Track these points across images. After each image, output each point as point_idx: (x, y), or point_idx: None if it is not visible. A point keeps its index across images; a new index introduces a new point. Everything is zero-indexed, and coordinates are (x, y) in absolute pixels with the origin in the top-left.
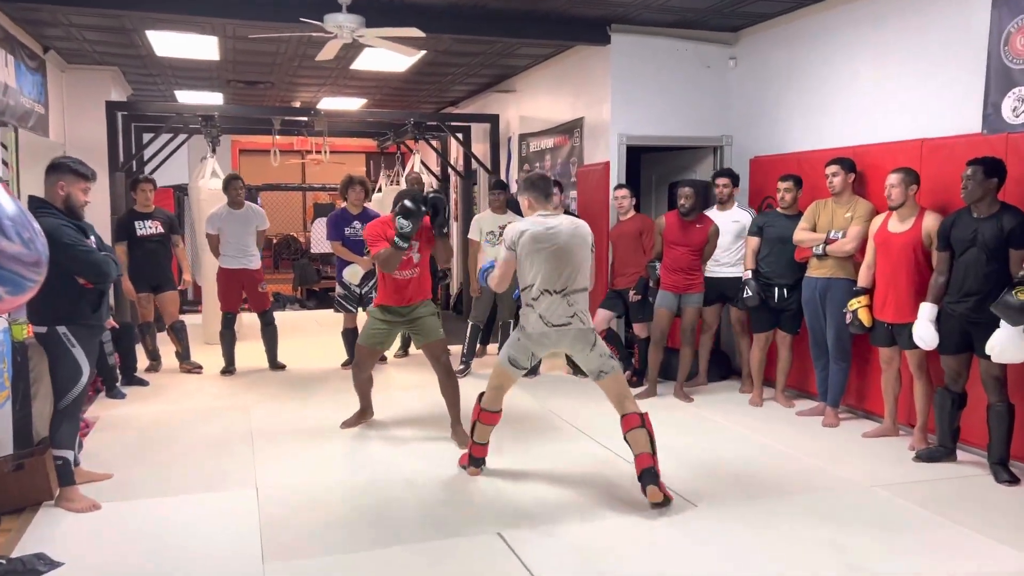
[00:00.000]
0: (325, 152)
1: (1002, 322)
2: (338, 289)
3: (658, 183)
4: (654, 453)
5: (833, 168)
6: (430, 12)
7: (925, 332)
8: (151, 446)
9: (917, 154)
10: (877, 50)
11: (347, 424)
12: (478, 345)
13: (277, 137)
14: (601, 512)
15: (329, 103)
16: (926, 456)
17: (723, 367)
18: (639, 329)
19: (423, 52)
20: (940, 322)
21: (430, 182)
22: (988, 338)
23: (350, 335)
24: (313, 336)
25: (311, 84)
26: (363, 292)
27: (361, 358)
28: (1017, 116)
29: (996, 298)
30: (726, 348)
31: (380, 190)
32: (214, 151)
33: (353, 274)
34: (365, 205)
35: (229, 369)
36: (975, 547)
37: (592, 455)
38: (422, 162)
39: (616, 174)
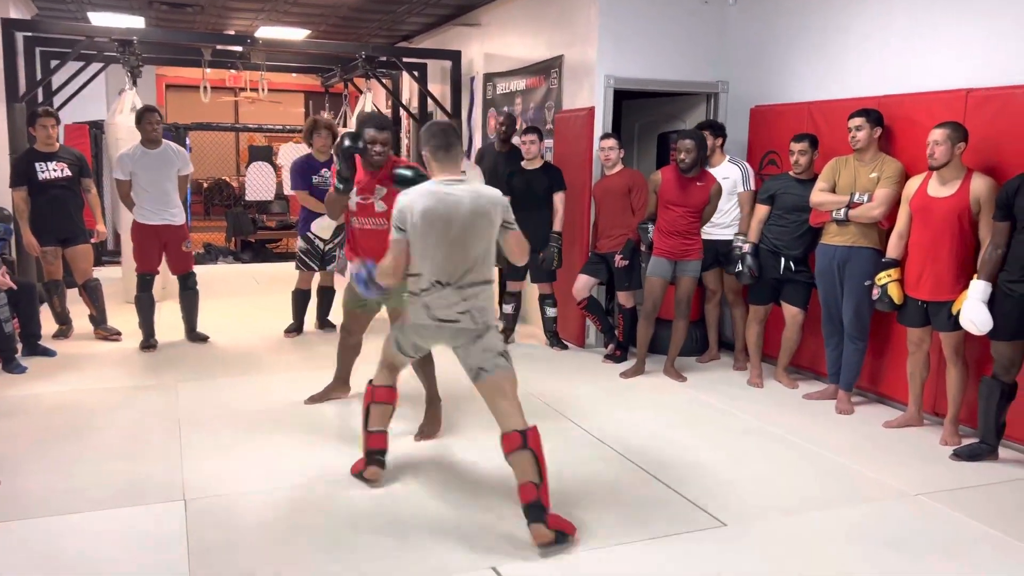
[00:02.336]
0: (263, 88)
1: None
2: (300, 243)
3: (642, 133)
4: (540, 482)
5: (857, 121)
6: None
7: (978, 314)
8: (53, 442)
9: (961, 106)
10: None
11: (313, 399)
12: None
13: (208, 70)
14: (611, 534)
15: (267, 33)
16: (967, 454)
17: (702, 340)
18: (624, 298)
19: None
20: (993, 303)
21: None
22: None
23: (301, 297)
24: (250, 295)
25: (247, 9)
26: (327, 248)
27: (347, 320)
28: None
29: None
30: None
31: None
32: (134, 83)
33: (323, 227)
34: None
35: (149, 343)
36: None
37: (595, 453)
38: (373, 103)
39: (601, 122)
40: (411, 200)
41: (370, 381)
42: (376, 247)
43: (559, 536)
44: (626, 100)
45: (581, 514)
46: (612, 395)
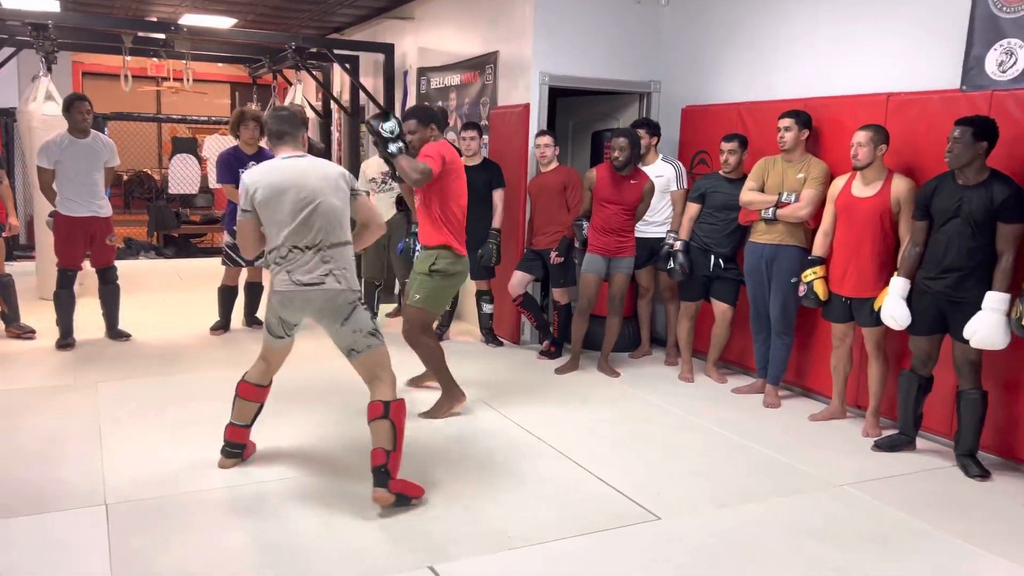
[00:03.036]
0: (188, 78)
1: (985, 304)
2: (226, 238)
3: (576, 131)
4: (393, 449)
5: (786, 122)
6: None
7: (897, 310)
8: None
9: (882, 109)
10: None
11: (430, 413)
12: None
13: (128, 58)
14: (549, 531)
15: (192, 20)
16: (887, 445)
17: (635, 336)
18: (559, 295)
19: None
20: (912, 299)
21: (312, 118)
22: (967, 319)
23: (227, 293)
24: (174, 292)
25: None
26: None
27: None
28: (1004, 71)
29: (979, 276)
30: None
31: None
32: (49, 70)
33: None
34: (261, 144)
35: (67, 342)
36: (976, 562)
37: (530, 449)
38: (303, 96)
39: (537, 118)
40: (252, 179)
41: (245, 374)
42: (420, 223)
43: (400, 498)
44: (561, 98)
45: (516, 510)
46: (546, 391)
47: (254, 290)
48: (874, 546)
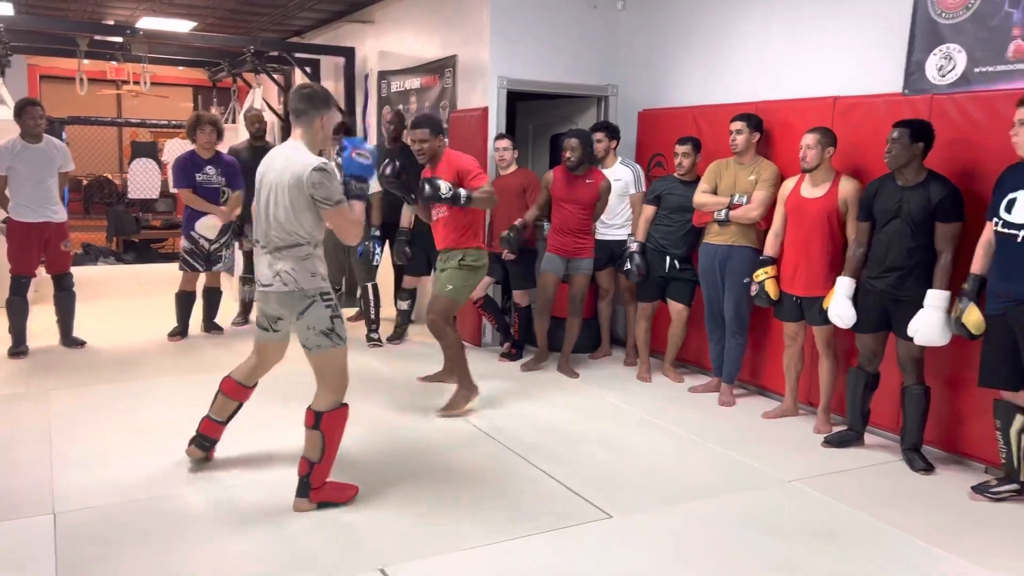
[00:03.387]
0: (145, 81)
1: (926, 302)
2: (184, 243)
3: (535, 135)
4: (318, 461)
5: (738, 125)
6: None
7: (843, 309)
8: None
9: (829, 112)
10: None
11: (447, 412)
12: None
13: (85, 61)
14: (502, 531)
15: (150, 23)
16: (836, 441)
17: (595, 337)
18: (520, 297)
19: None
20: (857, 298)
21: (272, 121)
22: (910, 317)
23: (185, 299)
24: (133, 298)
25: None
26: (212, 248)
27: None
28: (943, 76)
29: (919, 275)
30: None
31: None
32: (2, 73)
33: (208, 227)
34: (218, 148)
35: (19, 350)
36: (915, 554)
37: (487, 449)
38: (263, 99)
39: (496, 122)
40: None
41: (233, 370)
42: (442, 232)
43: (323, 506)
44: (520, 101)
45: (471, 511)
46: (506, 392)
47: (213, 296)
48: (821, 540)
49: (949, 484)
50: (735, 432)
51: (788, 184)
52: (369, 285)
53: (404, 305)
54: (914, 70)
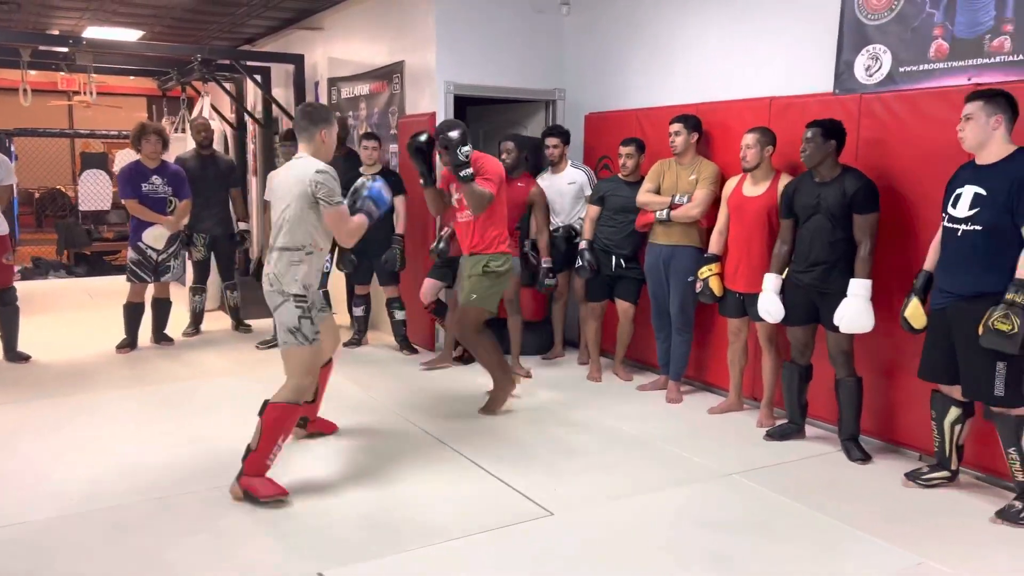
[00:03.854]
0: (91, 92)
1: (849, 291)
2: (131, 254)
3: (485, 139)
4: (253, 448)
5: (676, 127)
6: None
7: (771, 304)
8: None
9: (765, 112)
10: (728, 1)
11: (488, 409)
12: None
13: (31, 72)
14: (443, 529)
15: (96, 33)
16: (777, 434)
17: (549, 337)
18: None
19: None
20: (785, 293)
21: (222, 130)
22: (835, 309)
23: (133, 311)
24: (82, 311)
25: (71, 8)
26: (161, 259)
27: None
28: (871, 75)
29: (842, 267)
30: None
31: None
32: None
33: (155, 237)
34: (163, 158)
35: None
36: (850, 542)
37: (433, 452)
38: (213, 107)
39: None
40: None
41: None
42: (466, 236)
43: (247, 495)
44: (471, 106)
45: (414, 512)
46: (455, 395)
47: (161, 306)
48: (758, 530)
49: (886, 472)
50: (682, 428)
51: (731, 183)
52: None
53: (359, 311)
54: (843, 70)
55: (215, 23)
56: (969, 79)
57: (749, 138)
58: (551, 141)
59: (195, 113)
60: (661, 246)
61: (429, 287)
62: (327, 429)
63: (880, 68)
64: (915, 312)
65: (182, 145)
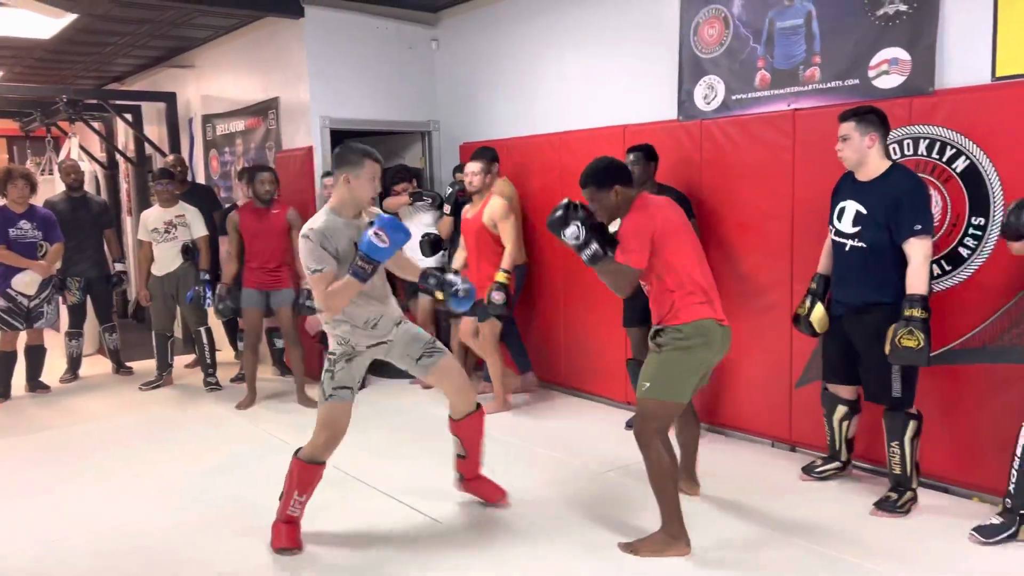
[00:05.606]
0: None
1: None
2: (0, 302)
3: None
4: (280, 496)
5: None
6: None
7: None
8: None
9: (620, 140)
10: (581, 36)
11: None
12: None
13: None
14: (336, 540)
15: None
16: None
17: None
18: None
19: (73, 16)
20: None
21: (93, 170)
22: None
23: (5, 360)
24: None
25: None
26: (32, 305)
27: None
28: (708, 103)
29: None
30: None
31: None
32: None
33: (25, 283)
34: (31, 202)
35: None
36: (749, 532)
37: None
38: (82, 147)
39: (321, 160)
40: None
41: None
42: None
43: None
44: (350, 139)
45: (307, 526)
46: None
47: (35, 354)
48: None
49: (712, 449)
50: (555, 431)
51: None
52: (202, 329)
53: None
54: (685, 99)
55: (80, 62)
56: (789, 105)
57: (475, 166)
58: (400, 187)
59: (63, 154)
60: None
61: (314, 320)
62: (488, 496)
63: (716, 96)
64: (819, 316)
65: (51, 187)
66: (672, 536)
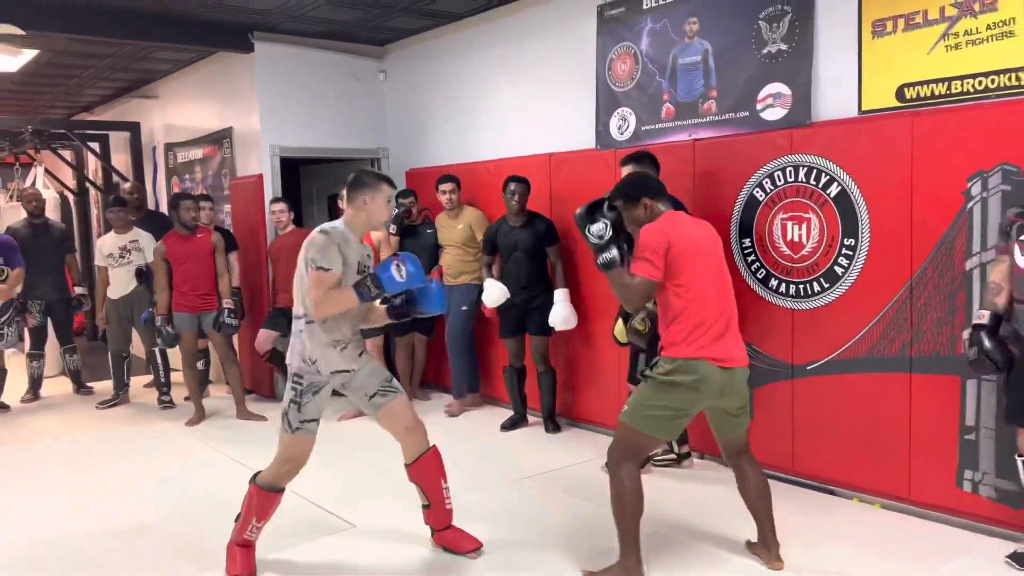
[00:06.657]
0: None
1: (556, 299)
2: None
3: (318, 196)
4: (236, 519)
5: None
6: (36, 6)
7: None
8: None
9: (546, 167)
10: (513, 69)
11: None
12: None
13: None
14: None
15: None
16: (509, 425)
17: None
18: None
19: (35, 52)
20: (501, 312)
21: (56, 197)
22: (541, 319)
23: None
24: None
25: None
26: None
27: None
28: (622, 133)
29: (542, 288)
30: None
31: None
32: None
33: None
34: None
35: None
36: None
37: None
38: (49, 172)
39: (271, 187)
40: None
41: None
42: None
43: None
44: (304, 166)
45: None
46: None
47: None
48: (534, 525)
49: (569, 440)
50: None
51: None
52: (156, 350)
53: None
54: (602, 129)
55: (49, 93)
56: (690, 135)
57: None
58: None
59: (28, 182)
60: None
61: (264, 337)
62: (459, 548)
63: (628, 127)
64: (621, 330)
65: (17, 214)
66: (626, 572)
